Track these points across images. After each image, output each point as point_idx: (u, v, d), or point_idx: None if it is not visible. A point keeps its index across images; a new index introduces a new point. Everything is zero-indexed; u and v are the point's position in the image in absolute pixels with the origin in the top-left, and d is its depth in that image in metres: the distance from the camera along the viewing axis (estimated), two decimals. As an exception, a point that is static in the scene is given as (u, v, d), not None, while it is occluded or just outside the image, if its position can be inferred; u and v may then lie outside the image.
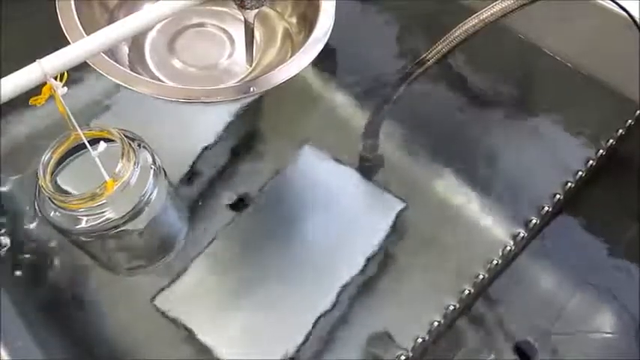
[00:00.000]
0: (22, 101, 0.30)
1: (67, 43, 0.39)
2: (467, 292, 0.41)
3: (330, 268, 0.42)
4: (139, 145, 0.35)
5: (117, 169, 0.32)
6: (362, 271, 0.42)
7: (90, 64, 0.41)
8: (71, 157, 0.34)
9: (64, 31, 0.44)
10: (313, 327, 0.40)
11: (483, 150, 0.48)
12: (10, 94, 0.30)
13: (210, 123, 0.48)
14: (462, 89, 0.51)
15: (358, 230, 0.44)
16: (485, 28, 0.36)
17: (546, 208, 0.45)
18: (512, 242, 0.43)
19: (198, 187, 0.45)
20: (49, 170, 0.32)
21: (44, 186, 0.32)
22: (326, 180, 0.46)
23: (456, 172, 0.46)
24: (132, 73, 0.44)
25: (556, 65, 0.52)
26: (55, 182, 0.33)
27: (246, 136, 0.48)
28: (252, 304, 0.41)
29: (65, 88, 0.30)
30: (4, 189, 0.44)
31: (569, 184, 0.46)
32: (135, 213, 0.33)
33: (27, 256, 0.42)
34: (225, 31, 0.53)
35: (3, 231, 0.42)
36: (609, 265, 0.44)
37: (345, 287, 0.41)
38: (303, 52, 0.46)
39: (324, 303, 0.41)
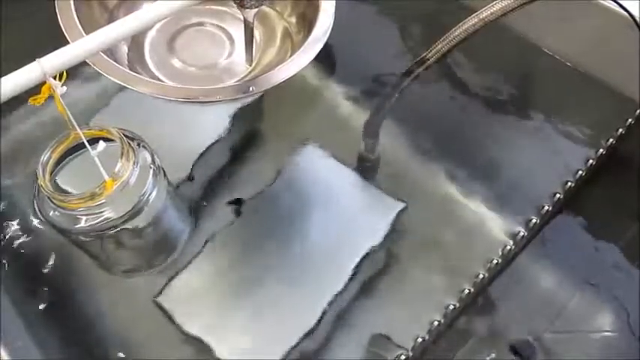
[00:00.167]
0: (21, 101, 0.30)
1: (67, 42, 0.39)
2: (467, 291, 0.41)
3: (329, 268, 0.42)
4: (138, 145, 0.35)
5: (116, 169, 0.32)
6: (362, 270, 0.42)
7: (89, 63, 0.41)
8: (70, 157, 0.34)
9: (64, 30, 0.44)
10: (313, 327, 0.40)
11: (483, 149, 0.48)
12: (10, 94, 0.29)
13: (209, 122, 0.48)
14: (461, 89, 0.51)
15: (358, 230, 0.44)
16: (485, 27, 0.36)
17: (546, 208, 0.45)
18: (512, 242, 0.43)
19: (198, 186, 0.45)
20: (48, 170, 0.32)
21: (43, 185, 0.32)
22: (326, 180, 0.46)
23: (455, 172, 0.46)
24: (131, 72, 0.44)
25: (556, 65, 0.52)
26: (55, 182, 0.33)
27: (245, 136, 0.48)
28: (251, 304, 0.41)
29: (64, 88, 0.30)
30: (3, 188, 0.44)
31: (569, 183, 0.46)
32: (134, 212, 0.33)
33: (27, 256, 0.42)
34: (224, 31, 0.53)
35: (3, 230, 0.42)
36: (609, 265, 0.44)
37: (345, 287, 0.41)
38: (303, 51, 0.46)
39: (324, 303, 0.41)
